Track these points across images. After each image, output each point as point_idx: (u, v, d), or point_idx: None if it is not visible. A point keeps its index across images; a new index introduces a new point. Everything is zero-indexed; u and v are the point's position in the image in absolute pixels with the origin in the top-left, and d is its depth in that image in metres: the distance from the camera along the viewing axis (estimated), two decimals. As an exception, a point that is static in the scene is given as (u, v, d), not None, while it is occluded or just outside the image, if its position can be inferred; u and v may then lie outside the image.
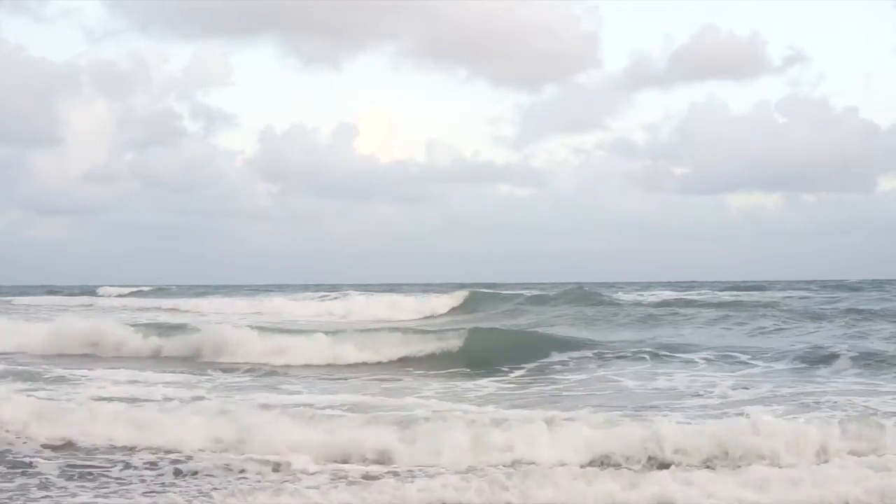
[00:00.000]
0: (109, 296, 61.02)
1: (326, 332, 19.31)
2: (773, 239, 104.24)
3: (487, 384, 14.15)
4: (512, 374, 15.23)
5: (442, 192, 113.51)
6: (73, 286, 78.70)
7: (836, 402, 11.36)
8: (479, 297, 38.88)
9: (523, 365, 15.89)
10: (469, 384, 14.12)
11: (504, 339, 19.16)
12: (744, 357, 16.28)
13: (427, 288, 61.36)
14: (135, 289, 66.94)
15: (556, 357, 16.58)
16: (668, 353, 16.83)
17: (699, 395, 12.37)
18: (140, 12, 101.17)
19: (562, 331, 24.03)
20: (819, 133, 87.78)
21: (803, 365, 15.39)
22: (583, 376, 14.78)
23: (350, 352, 17.83)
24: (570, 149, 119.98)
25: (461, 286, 70.68)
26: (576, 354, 16.90)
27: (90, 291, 64.78)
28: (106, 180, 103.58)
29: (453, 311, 36.65)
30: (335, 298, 44.90)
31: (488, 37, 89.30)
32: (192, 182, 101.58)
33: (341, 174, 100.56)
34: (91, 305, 49.14)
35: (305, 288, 69.70)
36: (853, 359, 15.29)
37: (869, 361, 15.21)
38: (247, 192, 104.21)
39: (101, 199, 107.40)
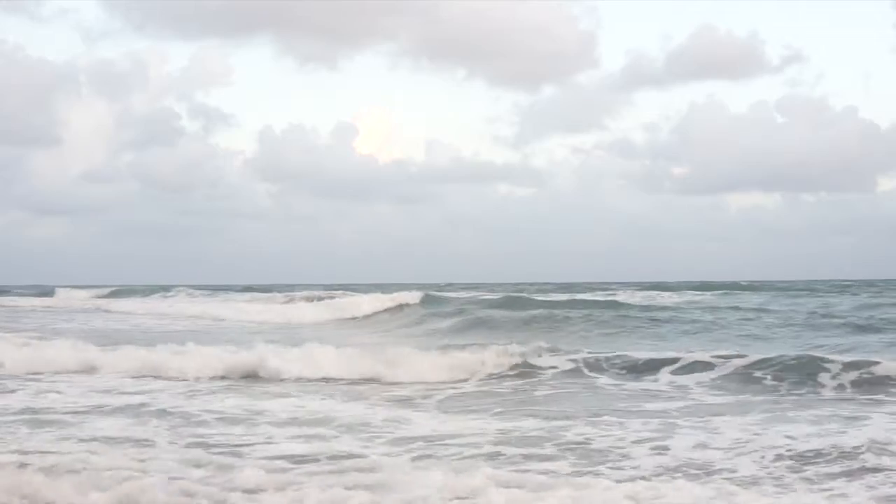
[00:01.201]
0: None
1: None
2: (772, 239, 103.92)
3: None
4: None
5: (441, 191, 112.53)
6: (69, 286, 75.48)
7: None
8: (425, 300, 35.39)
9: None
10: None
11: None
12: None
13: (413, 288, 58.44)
14: (94, 289, 63.75)
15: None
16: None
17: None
18: (136, 12, 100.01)
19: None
20: (818, 133, 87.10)
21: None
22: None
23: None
24: (569, 148, 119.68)
25: (454, 285, 68.40)
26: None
27: (49, 292, 61.54)
28: (105, 180, 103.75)
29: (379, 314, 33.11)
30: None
31: (486, 37, 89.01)
32: (191, 182, 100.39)
33: (340, 174, 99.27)
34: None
35: (292, 287, 67.34)
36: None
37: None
38: (246, 192, 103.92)
39: (100, 199, 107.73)
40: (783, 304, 32.94)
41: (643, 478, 6.99)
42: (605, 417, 9.72)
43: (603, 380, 12.94)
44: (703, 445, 8.18)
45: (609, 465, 7.51)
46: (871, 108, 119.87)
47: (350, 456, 7.72)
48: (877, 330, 20.48)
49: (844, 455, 7.60)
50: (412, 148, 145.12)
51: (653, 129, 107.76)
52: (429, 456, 7.85)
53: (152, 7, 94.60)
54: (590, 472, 7.19)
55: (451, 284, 69.91)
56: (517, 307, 29.90)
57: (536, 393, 11.96)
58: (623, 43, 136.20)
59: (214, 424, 9.35)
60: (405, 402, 11.32)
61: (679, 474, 7.14)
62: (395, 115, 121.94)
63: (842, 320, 22.58)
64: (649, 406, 10.66)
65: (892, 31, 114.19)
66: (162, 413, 10.05)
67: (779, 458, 7.65)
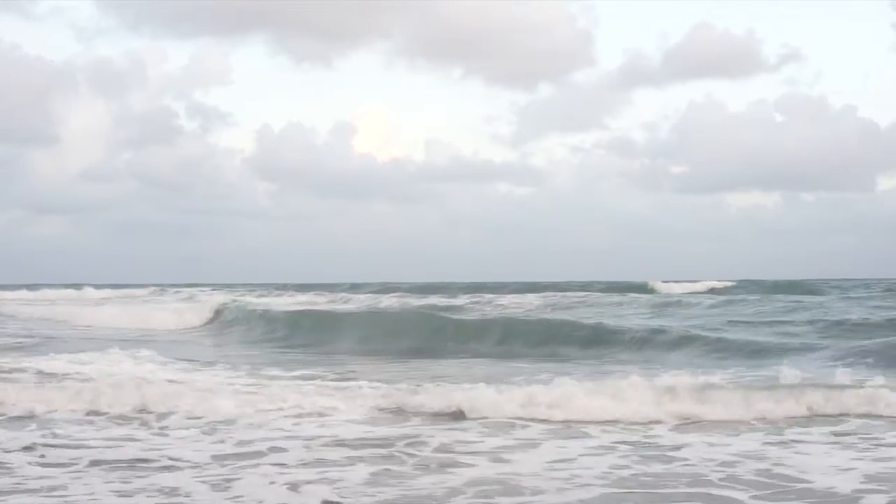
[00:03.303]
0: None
1: None
2: (771, 238, 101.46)
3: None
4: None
5: (440, 190, 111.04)
6: (64, 284, 78.57)
7: None
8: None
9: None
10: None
11: None
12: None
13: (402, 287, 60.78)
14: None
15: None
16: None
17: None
18: (131, 11, 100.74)
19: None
20: (817, 131, 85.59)
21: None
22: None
23: None
24: (568, 148, 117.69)
25: (455, 285, 69.28)
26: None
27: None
28: (103, 179, 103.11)
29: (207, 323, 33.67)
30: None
31: (482, 35, 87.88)
32: (190, 181, 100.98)
33: (339, 173, 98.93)
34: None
35: (280, 287, 67.60)
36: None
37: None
38: (244, 190, 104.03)
39: (99, 198, 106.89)
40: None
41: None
42: None
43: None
44: None
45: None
46: (871, 107, 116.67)
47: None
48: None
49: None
50: (410, 147, 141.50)
51: (651, 127, 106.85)
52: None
53: (145, 6, 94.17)
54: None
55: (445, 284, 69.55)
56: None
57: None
58: (620, 41, 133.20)
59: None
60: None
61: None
62: (393, 114, 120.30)
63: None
64: None
65: (891, 30, 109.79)
66: None
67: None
